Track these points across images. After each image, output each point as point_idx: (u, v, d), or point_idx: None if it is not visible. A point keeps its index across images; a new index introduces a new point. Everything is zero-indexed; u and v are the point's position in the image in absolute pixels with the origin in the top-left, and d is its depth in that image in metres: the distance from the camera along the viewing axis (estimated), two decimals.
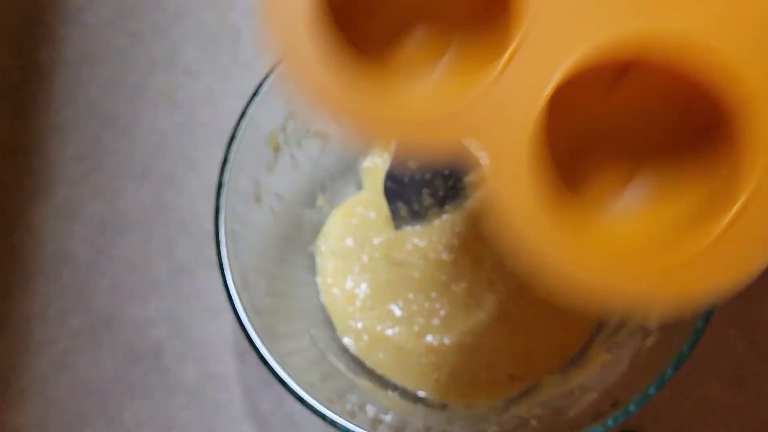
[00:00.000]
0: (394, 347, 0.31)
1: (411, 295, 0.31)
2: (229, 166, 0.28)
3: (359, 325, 0.31)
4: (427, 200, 0.32)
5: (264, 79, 0.29)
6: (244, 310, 0.26)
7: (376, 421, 0.25)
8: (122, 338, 0.36)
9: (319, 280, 0.33)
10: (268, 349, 0.25)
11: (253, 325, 0.25)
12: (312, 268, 0.33)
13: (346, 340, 0.31)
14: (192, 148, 0.39)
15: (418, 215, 0.32)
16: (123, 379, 0.35)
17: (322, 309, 0.32)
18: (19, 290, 0.37)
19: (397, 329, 0.31)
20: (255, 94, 0.28)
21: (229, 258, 0.26)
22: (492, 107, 0.19)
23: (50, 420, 0.35)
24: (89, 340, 0.36)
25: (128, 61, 0.41)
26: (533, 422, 0.26)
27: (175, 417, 0.34)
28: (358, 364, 0.31)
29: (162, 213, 0.38)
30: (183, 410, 0.34)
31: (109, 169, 0.39)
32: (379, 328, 0.31)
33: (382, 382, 0.30)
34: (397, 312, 0.31)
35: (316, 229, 0.34)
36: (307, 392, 0.24)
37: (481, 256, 0.32)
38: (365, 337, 0.31)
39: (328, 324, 0.32)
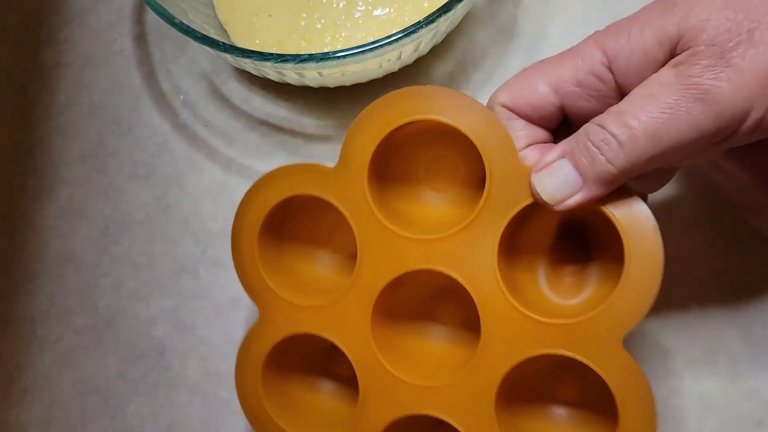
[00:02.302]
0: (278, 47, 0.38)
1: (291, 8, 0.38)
2: None
3: (253, 36, 0.38)
4: None
5: None
6: None
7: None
8: (125, 337, 0.36)
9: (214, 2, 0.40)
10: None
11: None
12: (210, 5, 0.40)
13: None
14: (194, 148, 0.39)
15: None
16: (126, 377, 0.35)
17: (223, 30, 0.39)
18: (23, 289, 0.37)
19: (279, 36, 0.38)
20: None
21: None
22: None
23: (54, 418, 0.35)
24: (92, 339, 0.36)
25: (131, 62, 0.42)
26: None
27: (178, 414, 0.34)
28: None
29: (164, 213, 0.38)
30: (185, 408, 0.34)
31: (112, 169, 0.39)
32: (267, 36, 0.38)
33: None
34: (280, 19, 0.38)
35: None
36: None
37: None
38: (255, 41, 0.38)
39: (225, 33, 0.39)
